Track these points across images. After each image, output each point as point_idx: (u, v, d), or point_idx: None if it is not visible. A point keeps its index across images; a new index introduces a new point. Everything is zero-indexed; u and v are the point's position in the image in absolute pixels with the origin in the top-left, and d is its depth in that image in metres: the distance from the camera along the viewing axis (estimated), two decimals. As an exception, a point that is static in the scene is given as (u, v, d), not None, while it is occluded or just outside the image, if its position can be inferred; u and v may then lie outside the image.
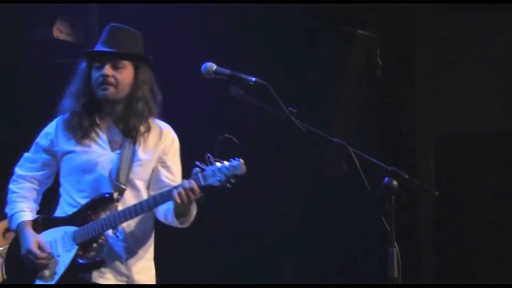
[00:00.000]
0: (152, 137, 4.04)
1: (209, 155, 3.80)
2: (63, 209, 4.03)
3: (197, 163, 3.83)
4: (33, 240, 3.95)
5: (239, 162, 3.78)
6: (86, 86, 4.00)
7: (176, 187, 3.82)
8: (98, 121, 4.01)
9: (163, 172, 4.05)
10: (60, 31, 6.10)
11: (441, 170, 6.52)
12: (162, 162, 4.06)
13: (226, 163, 3.78)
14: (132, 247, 3.99)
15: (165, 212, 3.95)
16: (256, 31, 6.16)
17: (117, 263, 3.97)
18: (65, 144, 4.02)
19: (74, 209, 3.97)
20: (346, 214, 6.33)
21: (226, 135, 3.82)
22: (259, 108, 3.70)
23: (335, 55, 6.24)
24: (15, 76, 5.99)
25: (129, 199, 3.97)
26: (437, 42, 6.54)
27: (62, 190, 4.06)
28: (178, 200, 3.78)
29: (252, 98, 3.72)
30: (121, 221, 3.90)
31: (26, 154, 4.14)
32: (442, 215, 6.46)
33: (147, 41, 4.08)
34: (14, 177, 4.12)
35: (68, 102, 4.06)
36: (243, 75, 3.71)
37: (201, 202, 3.87)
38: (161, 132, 4.07)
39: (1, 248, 5.31)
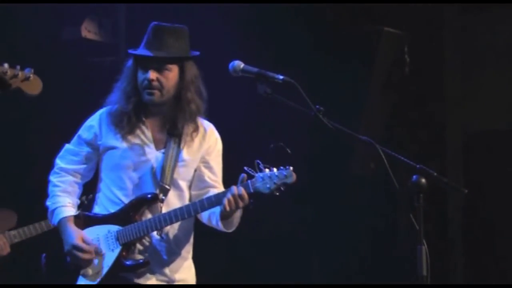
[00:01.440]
0: (196, 137, 4.01)
1: (258, 161, 3.79)
2: (103, 205, 3.99)
3: (246, 169, 3.82)
4: (77, 235, 3.90)
5: (289, 171, 3.79)
6: (133, 86, 3.96)
7: (224, 193, 3.81)
8: (144, 119, 3.97)
9: (206, 173, 4.03)
10: (88, 31, 6.14)
11: (470, 168, 6.48)
12: (205, 162, 4.04)
13: (276, 170, 3.79)
14: (174, 247, 3.97)
15: (209, 215, 3.94)
16: (284, 30, 6.16)
17: (159, 264, 3.95)
18: (109, 139, 3.97)
19: (117, 207, 3.94)
20: (375, 213, 6.30)
21: (278, 143, 3.81)
22: (286, 106, 3.69)
23: (362, 53, 6.22)
24: (44, 76, 6.03)
25: (172, 199, 3.95)
26: (466, 40, 6.50)
27: (102, 185, 4.02)
28: (227, 207, 3.78)
29: (280, 97, 3.71)
30: (167, 224, 3.88)
31: (67, 146, 4.08)
32: (471, 212, 6.41)
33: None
34: (55, 169, 4.05)
35: (115, 97, 4.01)
36: (271, 73, 3.69)
37: (250, 207, 3.86)
38: (205, 131, 4.05)
39: None
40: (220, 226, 3.93)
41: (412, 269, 3.44)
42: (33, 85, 3.63)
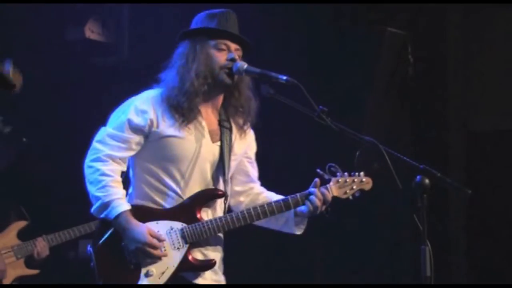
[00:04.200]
0: (242, 130, 3.88)
1: (332, 164, 3.77)
2: (150, 198, 3.69)
3: (319, 172, 3.80)
4: (146, 231, 3.58)
5: (368, 178, 3.81)
6: (206, 66, 3.70)
7: (306, 196, 3.74)
8: (199, 109, 3.73)
9: (250, 169, 3.94)
10: (92, 31, 6.14)
11: (473, 167, 6.47)
12: (248, 157, 3.93)
13: (356, 176, 3.80)
14: (221, 246, 3.85)
15: (286, 218, 3.82)
16: (286, 30, 6.16)
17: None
18: (167, 127, 3.67)
19: (171, 200, 3.68)
20: (378, 213, 6.30)
21: (363, 149, 3.81)
22: (289, 107, 3.70)
23: (365, 54, 6.22)
24: (48, 77, 6.04)
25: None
26: (469, 39, 6.49)
27: (148, 176, 3.71)
28: (313, 210, 3.72)
29: (283, 97, 3.71)
30: (240, 225, 3.72)
31: (110, 131, 3.68)
32: (474, 213, 6.41)
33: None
34: (102, 157, 3.63)
35: (173, 81, 3.71)
36: (274, 74, 3.68)
37: (328, 211, 3.81)
38: (247, 126, 3.91)
39: (17, 248, 5.39)
40: (295, 230, 3.84)
41: (416, 269, 3.44)
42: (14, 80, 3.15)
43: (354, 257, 6.33)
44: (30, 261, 5.39)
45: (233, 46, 3.76)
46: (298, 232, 3.88)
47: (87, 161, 3.65)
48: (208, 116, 3.78)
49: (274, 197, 3.90)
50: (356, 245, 6.32)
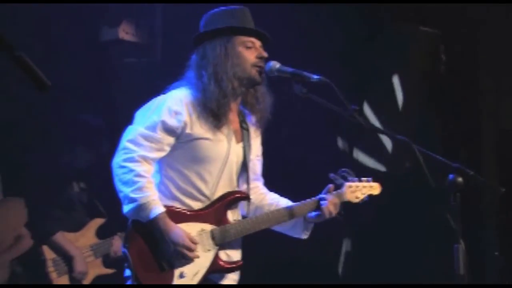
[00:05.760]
0: (256, 129, 3.85)
1: (346, 170, 3.81)
2: (178, 199, 3.65)
3: (332, 176, 3.82)
4: (183, 233, 3.55)
5: (376, 183, 3.82)
6: (238, 66, 3.67)
7: (319, 202, 3.76)
8: (227, 108, 3.68)
9: (259, 167, 3.91)
10: (126, 32, 6.18)
11: (505, 165, 6.44)
12: (257, 156, 3.89)
13: (365, 181, 3.82)
14: (242, 246, 3.83)
15: (294, 222, 3.82)
16: (318, 29, 6.17)
17: None
18: (199, 128, 3.62)
19: (199, 203, 3.65)
20: (411, 212, 6.29)
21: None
22: (321, 106, 3.70)
23: (398, 53, 6.22)
24: (83, 77, 6.10)
25: None
26: (501, 38, 6.46)
27: (176, 176, 3.66)
28: (327, 215, 3.75)
29: (316, 96, 3.71)
30: (262, 227, 3.71)
31: (142, 130, 3.59)
32: (507, 211, 6.38)
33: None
34: (135, 157, 3.54)
35: (207, 81, 3.64)
36: (306, 73, 3.65)
37: (342, 215, 3.83)
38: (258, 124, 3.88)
39: (95, 247, 5.44)
40: (302, 235, 3.86)
41: (449, 268, 3.44)
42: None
43: (388, 256, 6.32)
44: (106, 260, 5.40)
45: (257, 43, 3.75)
46: (304, 236, 3.89)
47: (119, 161, 3.57)
48: (233, 116, 3.76)
49: (278, 198, 3.91)
50: (388, 244, 6.32)
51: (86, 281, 5.34)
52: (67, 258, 5.27)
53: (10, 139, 5.90)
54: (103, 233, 5.46)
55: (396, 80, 6.33)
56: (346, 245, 6.56)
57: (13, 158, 5.87)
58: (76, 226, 5.40)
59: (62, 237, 5.25)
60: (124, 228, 5.15)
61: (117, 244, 5.35)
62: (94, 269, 5.38)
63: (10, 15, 5.42)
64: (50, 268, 5.20)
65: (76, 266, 5.24)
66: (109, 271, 5.41)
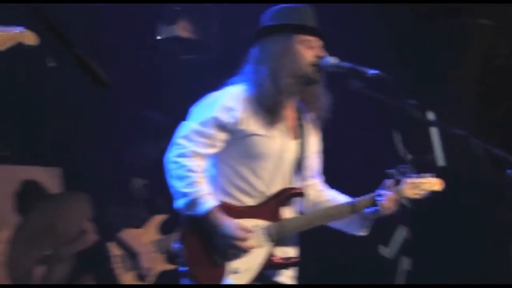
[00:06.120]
0: (311, 126, 3.82)
1: (405, 165, 3.75)
2: (232, 195, 3.63)
3: (390, 172, 3.77)
4: (235, 225, 3.53)
5: (437, 179, 3.75)
6: (296, 63, 3.64)
7: (380, 196, 3.71)
8: (283, 104, 3.66)
9: (317, 164, 3.86)
10: (183, 29, 6.22)
11: None
12: (315, 152, 3.85)
13: (425, 177, 3.76)
14: (299, 243, 3.80)
15: (351, 218, 3.78)
16: (372, 24, 6.13)
17: None
18: (253, 124, 3.60)
19: (255, 199, 3.63)
20: (467, 208, 6.22)
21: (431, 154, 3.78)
22: (378, 101, 3.67)
23: (456, 46, 6.14)
24: (141, 75, 6.16)
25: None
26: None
27: (231, 172, 3.64)
28: (385, 211, 3.70)
29: (373, 91, 3.68)
30: (317, 224, 3.71)
31: (195, 126, 3.60)
32: None
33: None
34: (187, 152, 3.55)
35: (263, 77, 3.62)
36: (364, 68, 3.63)
37: (401, 212, 3.79)
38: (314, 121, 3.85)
39: (158, 243, 5.49)
40: (357, 231, 3.81)
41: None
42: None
43: (449, 256, 6.25)
44: (168, 256, 5.44)
45: (318, 42, 3.73)
46: (362, 233, 3.84)
47: (171, 156, 3.58)
48: (289, 112, 3.73)
49: (336, 195, 3.87)
50: (446, 243, 6.25)
51: (151, 277, 5.40)
52: (132, 255, 5.32)
53: (74, 135, 6.01)
54: (164, 229, 5.50)
55: (452, 75, 6.25)
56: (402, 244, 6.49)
57: (77, 154, 5.97)
58: (138, 223, 5.46)
59: (127, 234, 5.30)
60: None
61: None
62: (158, 265, 5.42)
63: (67, 14, 5.51)
64: (116, 264, 5.26)
65: (142, 262, 5.29)
66: (172, 266, 5.43)
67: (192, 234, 3.58)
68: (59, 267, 5.84)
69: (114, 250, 5.29)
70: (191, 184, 3.52)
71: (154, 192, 5.63)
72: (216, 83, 3.81)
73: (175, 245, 3.64)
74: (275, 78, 3.62)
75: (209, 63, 6.30)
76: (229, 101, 3.61)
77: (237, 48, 3.88)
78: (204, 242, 3.56)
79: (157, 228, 5.51)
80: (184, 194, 3.53)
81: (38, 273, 5.80)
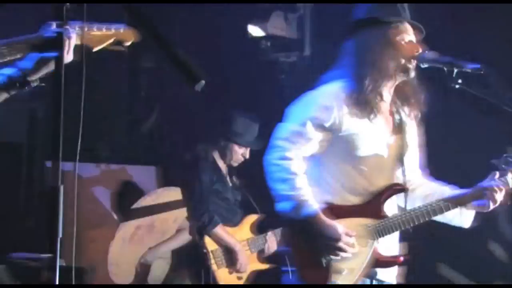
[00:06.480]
0: (411, 119, 3.74)
1: (509, 154, 3.67)
2: (334, 193, 3.59)
3: (495, 162, 3.69)
4: (339, 229, 3.49)
5: None
6: (394, 58, 3.57)
7: (486, 188, 3.61)
8: (381, 99, 3.60)
9: (418, 158, 3.79)
10: (274, 27, 6.21)
11: None
12: (414, 146, 3.76)
13: None
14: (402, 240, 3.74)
15: (458, 212, 3.71)
16: (473, 16, 5.98)
17: None
18: (352, 121, 3.55)
19: (359, 197, 3.59)
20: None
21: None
22: (477, 96, 3.57)
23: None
24: (232, 73, 6.19)
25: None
26: None
27: (333, 172, 3.61)
28: (492, 203, 3.60)
29: (470, 87, 3.56)
30: (421, 221, 3.60)
31: (294, 128, 3.56)
32: None
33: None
34: (287, 155, 3.52)
35: (359, 73, 3.56)
36: (463, 62, 3.54)
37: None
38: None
39: (251, 242, 5.48)
40: (463, 223, 3.74)
41: None
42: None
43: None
44: (261, 255, 5.46)
45: (416, 37, 3.66)
46: (466, 226, 3.76)
47: (271, 159, 3.56)
48: (386, 108, 3.65)
49: (439, 188, 3.77)
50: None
51: (245, 274, 5.42)
52: (228, 250, 5.37)
53: (169, 133, 6.08)
54: (256, 229, 5.52)
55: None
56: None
57: (172, 153, 6.05)
58: (231, 222, 5.50)
59: (223, 230, 5.36)
60: (276, 224, 5.20)
61: (271, 240, 5.39)
62: (251, 264, 5.45)
63: (163, 16, 5.57)
64: (212, 259, 5.32)
65: (238, 257, 5.35)
66: (265, 266, 5.47)
67: (296, 236, 3.56)
68: (158, 264, 5.95)
69: (210, 245, 5.34)
70: (294, 187, 3.49)
71: (247, 191, 5.66)
72: (309, 81, 3.76)
73: (281, 248, 3.63)
74: (375, 73, 3.55)
75: (301, 61, 6.28)
76: (326, 99, 3.56)
77: (329, 44, 3.82)
78: (309, 244, 3.53)
79: (250, 227, 5.54)
80: (288, 197, 3.50)
81: (138, 269, 5.93)
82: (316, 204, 3.51)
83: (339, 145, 3.57)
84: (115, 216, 6.03)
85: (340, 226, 3.50)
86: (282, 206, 3.54)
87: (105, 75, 5.65)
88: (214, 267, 5.30)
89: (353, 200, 3.60)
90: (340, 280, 3.54)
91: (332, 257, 3.52)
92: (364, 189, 3.59)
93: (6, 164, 5.51)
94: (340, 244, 3.48)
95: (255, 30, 6.29)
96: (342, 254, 3.49)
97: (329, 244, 3.49)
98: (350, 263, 3.53)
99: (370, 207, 3.58)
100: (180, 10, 5.86)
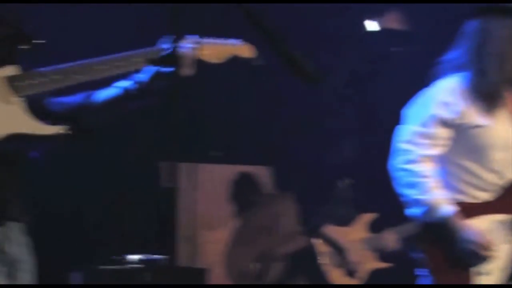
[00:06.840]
0: None
1: None
2: (463, 191, 3.52)
3: None
4: (476, 231, 3.43)
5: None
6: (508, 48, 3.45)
7: None
8: (505, 91, 3.52)
9: None
10: (392, 20, 6.12)
11: None
12: None
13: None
14: None
15: None
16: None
17: None
18: (475, 115, 3.47)
19: (488, 193, 3.51)
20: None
21: None
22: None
23: None
24: (348, 71, 6.14)
25: None
26: None
27: (459, 169, 3.52)
28: None
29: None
30: None
31: (418, 129, 3.48)
32: None
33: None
34: (416, 158, 3.46)
35: (479, 64, 3.46)
36: None
37: None
38: None
39: (368, 241, 5.49)
40: None
41: None
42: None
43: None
44: (381, 254, 5.47)
45: None
46: None
47: (398, 164, 3.50)
48: (508, 99, 3.54)
49: None
50: None
51: (362, 274, 5.42)
52: (340, 250, 5.34)
53: (285, 137, 6.08)
54: (372, 228, 5.50)
55: None
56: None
57: (286, 153, 6.04)
58: (344, 222, 5.48)
59: (334, 231, 5.35)
60: (390, 223, 5.10)
61: (390, 239, 5.33)
62: (368, 262, 5.44)
63: (277, 17, 5.57)
64: (325, 261, 5.32)
65: (350, 256, 5.31)
66: (385, 265, 5.44)
67: (430, 239, 3.51)
68: (273, 266, 5.96)
69: (322, 247, 5.32)
70: (426, 190, 3.44)
71: (358, 191, 5.61)
72: (425, 75, 3.66)
73: (416, 254, 3.57)
74: (502, 64, 3.45)
75: (418, 55, 6.14)
76: (446, 95, 3.48)
77: (446, 36, 3.70)
78: (444, 247, 3.47)
79: (365, 226, 5.52)
80: (420, 202, 3.45)
81: (253, 271, 5.95)
82: (451, 206, 3.44)
83: (462, 141, 3.49)
84: (231, 217, 6.06)
85: (477, 227, 3.43)
86: (415, 211, 3.49)
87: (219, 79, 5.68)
88: (328, 268, 5.30)
89: (483, 196, 3.51)
90: (483, 282, 3.46)
91: (472, 259, 3.43)
92: (494, 184, 3.49)
93: (124, 162, 5.59)
94: (476, 247, 3.41)
95: (371, 24, 6.21)
96: (480, 257, 3.41)
97: (467, 247, 3.42)
98: (491, 263, 3.45)
99: (505, 202, 3.50)
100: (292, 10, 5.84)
